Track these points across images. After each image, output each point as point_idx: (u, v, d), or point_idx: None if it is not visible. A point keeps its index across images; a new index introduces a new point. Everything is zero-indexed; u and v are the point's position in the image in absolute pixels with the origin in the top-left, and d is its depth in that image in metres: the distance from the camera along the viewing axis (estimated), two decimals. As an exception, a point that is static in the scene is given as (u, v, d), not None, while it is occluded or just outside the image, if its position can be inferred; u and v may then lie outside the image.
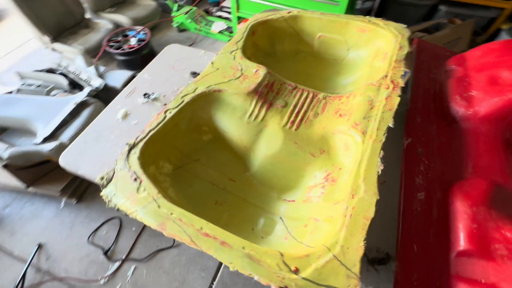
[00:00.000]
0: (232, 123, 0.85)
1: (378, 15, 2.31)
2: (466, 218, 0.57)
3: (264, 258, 0.52)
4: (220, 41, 2.76)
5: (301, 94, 0.87)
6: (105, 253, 1.48)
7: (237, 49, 1.02)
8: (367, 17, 1.05)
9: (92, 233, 1.56)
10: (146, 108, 1.03)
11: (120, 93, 1.09)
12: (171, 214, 0.61)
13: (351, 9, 2.02)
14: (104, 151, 0.91)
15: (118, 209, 0.65)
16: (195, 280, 1.38)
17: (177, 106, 0.84)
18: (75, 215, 1.64)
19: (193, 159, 0.89)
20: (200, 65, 1.20)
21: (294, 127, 0.79)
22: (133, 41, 2.45)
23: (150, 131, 0.78)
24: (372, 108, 0.74)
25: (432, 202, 0.64)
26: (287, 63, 1.20)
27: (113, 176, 0.70)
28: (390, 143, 0.68)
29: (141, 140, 0.76)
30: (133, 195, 0.65)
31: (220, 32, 2.71)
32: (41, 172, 1.59)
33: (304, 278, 0.49)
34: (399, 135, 0.81)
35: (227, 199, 0.80)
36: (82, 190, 1.71)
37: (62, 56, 2.53)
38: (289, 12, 1.16)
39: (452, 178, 0.67)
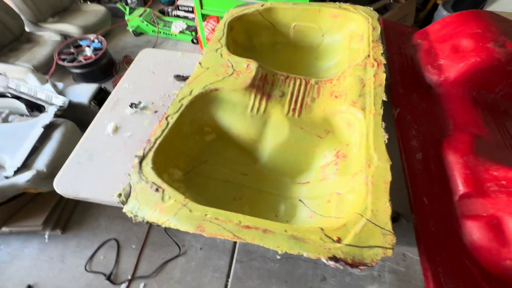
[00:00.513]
0: (235, 119, 0.86)
1: None
2: (460, 167, 0.67)
3: (308, 235, 0.56)
4: (183, 41, 2.67)
5: (295, 82, 0.92)
6: (108, 277, 1.40)
7: (221, 47, 1.02)
8: (337, 3, 1.13)
9: (88, 261, 1.46)
10: (136, 118, 0.99)
11: (103, 107, 1.03)
12: (206, 215, 0.61)
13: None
14: (103, 169, 0.86)
15: (147, 222, 0.63)
16: (210, 282, 1.38)
17: (177, 111, 0.83)
18: (64, 247, 1.51)
19: (201, 161, 0.89)
20: (182, 67, 1.18)
21: (296, 113, 0.83)
22: (88, 51, 2.26)
23: (156, 139, 0.76)
24: (364, 86, 0.81)
25: (429, 159, 0.73)
26: (267, 55, 1.23)
27: (130, 190, 0.68)
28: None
29: (150, 150, 0.74)
30: (159, 205, 0.64)
31: (181, 32, 2.63)
32: (14, 208, 1.43)
33: (347, 245, 0.54)
34: (387, 107, 0.90)
35: (244, 193, 0.82)
36: (65, 219, 1.57)
37: (7, 78, 2.24)
38: (262, 5, 1.18)
39: (440, 136, 0.78)
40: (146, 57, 1.23)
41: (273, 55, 1.23)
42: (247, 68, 0.93)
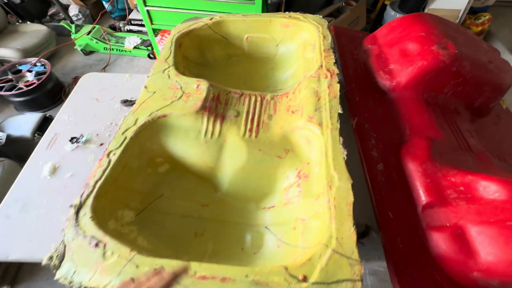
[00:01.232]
0: (189, 146, 0.79)
1: (287, 7, 2.47)
2: (420, 176, 0.66)
3: (271, 278, 0.50)
4: (139, 57, 2.54)
5: (250, 100, 0.87)
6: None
7: (169, 67, 0.95)
8: (287, 12, 1.11)
9: (45, 316, 1.28)
10: (78, 154, 0.88)
11: (37, 146, 0.90)
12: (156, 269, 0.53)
13: (265, 5, 2.10)
14: (39, 221, 0.74)
15: (85, 288, 0.54)
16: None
17: (121, 145, 0.74)
18: (14, 304, 1.31)
19: (156, 195, 0.80)
20: (129, 91, 1.08)
21: (253, 134, 0.78)
22: (30, 77, 2.04)
23: (96, 182, 0.67)
24: (319, 99, 0.78)
25: (390, 169, 0.72)
26: (222, 69, 1.18)
27: (65, 250, 0.58)
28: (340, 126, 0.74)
29: (88, 196, 0.64)
30: (100, 264, 0.54)
31: (136, 47, 2.49)
32: None
33: (314, 283, 0.49)
34: (346, 117, 0.88)
35: (206, 226, 0.75)
36: (13, 272, 1.37)
37: None
38: (211, 19, 1.13)
39: (398, 142, 0.77)
40: (89, 83, 1.11)
41: (229, 68, 1.18)
42: (197, 89, 0.86)
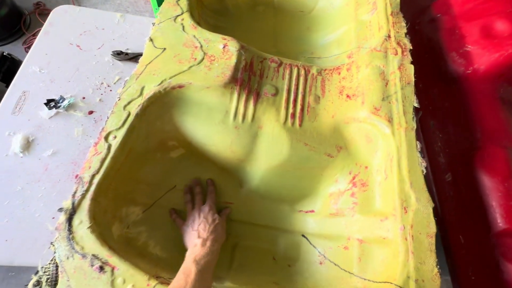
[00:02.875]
0: (213, 131, 0.61)
1: None
2: (499, 196, 0.55)
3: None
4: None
5: (291, 73, 0.67)
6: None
7: (182, 13, 0.70)
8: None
9: None
10: (59, 124, 0.66)
11: None
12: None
13: None
14: (14, 215, 0.56)
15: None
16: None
17: (123, 124, 0.54)
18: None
19: (167, 187, 0.64)
20: (122, 39, 0.82)
21: (297, 121, 0.61)
22: (-21, -2, 1.57)
23: (93, 176, 0.49)
24: (387, 83, 0.60)
25: (459, 182, 0.60)
26: (245, 22, 0.92)
27: (57, 273, 0.43)
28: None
29: (83, 195, 0.47)
30: (107, 297, 0.41)
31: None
32: None
33: None
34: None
35: (230, 229, 0.62)
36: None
37: None
38: None
39: (467, 147, 0.64)
40: (64, 20, 0.82)
41: (253, 22, 0.93)
42: (224, 50, 0.64)
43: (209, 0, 0.85)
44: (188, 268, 0.45)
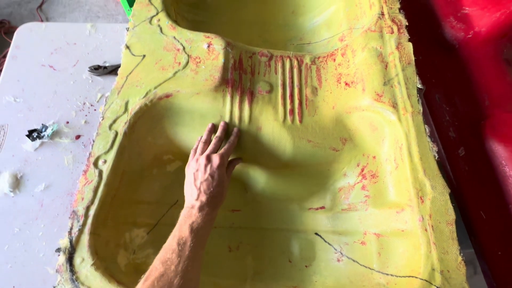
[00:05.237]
0: (209, 140, 0.57)
1: None
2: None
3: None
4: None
5: (283, 65, 0.62)
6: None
7: (157, 13, 0.64)
8: None
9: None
10: (46, 155, 0.62)
11: (-21, 145, 0.62)
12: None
13: None
14: (17, 261, 0.53)
15: None
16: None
17: (112, 146, 0.51)
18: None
19: (169, 203, 0.61)
20: (98, 51, 0.76)
21: (297, 117, 0.57)
22: None
23: (87, 208, 0.46)
24: (387, 65, 0.56)
25: (473, 155, 0.58)
26: (225, 13, 0.86)
27: (68, 318, 0.41)
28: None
29: (80, 231, 0.45)
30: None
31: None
32: None
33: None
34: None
35: (241, 237, 0.60)
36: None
37: None
38: None
39: (476, 117, 0.61)
40: (31, 40, 0.76)
41: (235, 12, 0.87)
42: (209, 50, 0.59)
43: (184, -7, 0.79)
44: (183, 237, 0.39)
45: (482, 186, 0.55)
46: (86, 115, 0.67)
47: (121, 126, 0.52)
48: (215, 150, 0.49)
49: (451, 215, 0.44)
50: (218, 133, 0.52)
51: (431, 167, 0.47)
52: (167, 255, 0.38)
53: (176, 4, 0.77)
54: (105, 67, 0.73)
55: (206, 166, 0.46)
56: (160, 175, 0.61)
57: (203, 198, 0.44)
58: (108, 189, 0.48)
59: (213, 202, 0.45)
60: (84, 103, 0.69)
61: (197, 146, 0.52)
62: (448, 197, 0.45)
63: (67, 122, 0.66)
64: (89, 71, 0.72)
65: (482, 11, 0.65)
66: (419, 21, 0.73)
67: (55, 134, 0.64)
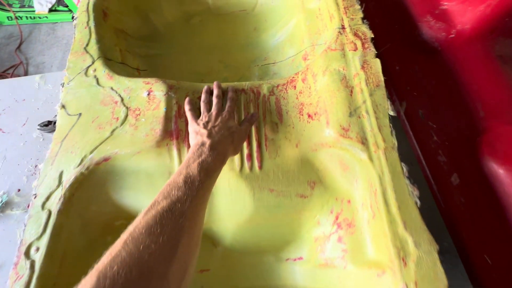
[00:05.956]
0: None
1: None
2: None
3: None
4: (61, 23, 1.90)
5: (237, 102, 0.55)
6: None
7: (93, 62, 0.58)
8: None
9: None
10: (4, 231, 0.58)
11: None
12: None
13: None
14: None
15: None
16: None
17: (44, 229, 0.45)
18: None
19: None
20: (47, 105, 0.71)
21: (256, 163, 0.50)
22: None
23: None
24: (352, 91, 0.48)
25: (470, 182, 0.48)
26: (181, 41, 0.80)
27: None
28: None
29: None
30: None
31: (52, 9, 1.84)
32: None
33: None
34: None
35: (212, 302, 0.54)
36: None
37: None
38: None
39: (470, 132, 0.52)
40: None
41: (192, 38, 0.80)
42: (150, 98, 0.53)
43: (132, 26, 0.73)
44: (191, 176, 0.33)
45: (484, 222, 0.46)
46: (43, 179, 0.62)
47: (55, 204, 0.46)
48: (220, 109, 0.47)
49: (442, 279, 0.36)
50: (215, 92, 0.50)
51: (412, 217, 0.39)
52: (172, 191, 0.31)
53: (125, 41, 0.71)
54: (55, 122, 0.67)
55: (217, 116, 0.45)
56: (113, 242, 0.55)
57: (215, 137, 0.41)
58: (44, 281, 0.42)
59: (224, 147, 0.40)
60: (35, 166, 0.64)
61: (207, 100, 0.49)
62: (436, 256, 0.37)
63: (19, 190, 0.61)
64: (38, 129, 0.67)
65: (463, 5, 0.55)
66: (392, 24, 0.64)
67: (6, 205, 0.60)
